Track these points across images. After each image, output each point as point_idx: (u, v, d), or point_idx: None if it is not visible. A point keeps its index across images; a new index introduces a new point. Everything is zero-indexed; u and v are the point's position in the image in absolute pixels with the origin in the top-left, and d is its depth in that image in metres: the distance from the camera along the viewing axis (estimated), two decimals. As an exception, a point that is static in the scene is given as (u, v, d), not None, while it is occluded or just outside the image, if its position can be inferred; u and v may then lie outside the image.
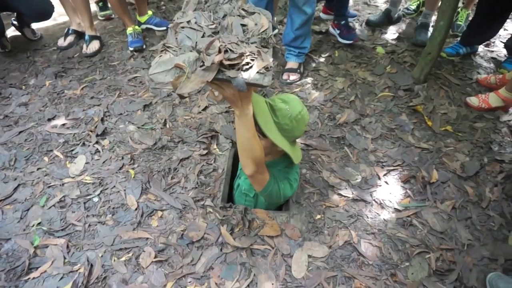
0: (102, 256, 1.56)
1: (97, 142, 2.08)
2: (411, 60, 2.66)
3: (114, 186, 1.84)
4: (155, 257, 1.55)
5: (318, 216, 1.73)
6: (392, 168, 1.95)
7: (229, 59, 1.03)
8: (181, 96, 1.16)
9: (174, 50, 1.10)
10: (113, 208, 1.75)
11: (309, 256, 1.57)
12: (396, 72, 2.57)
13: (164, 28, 3.13)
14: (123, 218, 1.71)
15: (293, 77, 2.56)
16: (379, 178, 1.90)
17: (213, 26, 1.19)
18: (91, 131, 2.15)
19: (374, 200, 1.80)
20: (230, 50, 1.06)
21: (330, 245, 1.61)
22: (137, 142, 2.10)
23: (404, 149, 2.05)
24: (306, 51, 2.62)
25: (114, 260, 1.55)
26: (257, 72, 1.04)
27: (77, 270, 1.50)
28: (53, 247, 1.58)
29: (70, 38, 2.97)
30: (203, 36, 1.15)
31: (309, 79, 2.59)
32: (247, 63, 1.04)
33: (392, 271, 1.51)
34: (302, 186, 1.87)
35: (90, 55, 2.82)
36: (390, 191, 1.84)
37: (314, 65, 2.72)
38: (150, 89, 2.49)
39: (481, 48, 2.85)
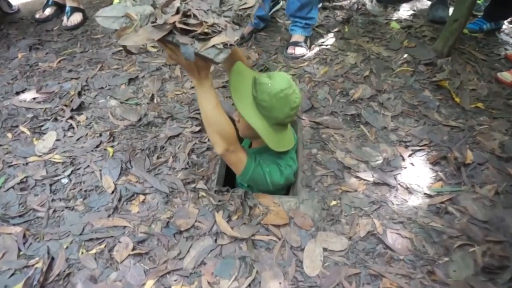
0: (67, 247, 1.26)
1: (71, 118, 1.78)
2: (431, 34, 2.37)
3: (88, 166, 1.54)
4: (133, 249, 1.25)
5: (334, 202, 1.43)
6: (417, 148, 1.66)
7: (185, 23, 0.97)
8: (127, 51, 1.04)
9: (134, 0, 1.05)
10: (85, 191, 1.44)
11: (325, 249, 1.27)
12: (415, 47, 2.28)
13: None
14: (96, 202, 1.40)
15: (299, 51, 2.27)
16: (403, 160, 1.61)
17: None
18: (65, 105, 1.84)
19: (399, 184, 1.50)
20: (194, 15, 1.00)
21: (350, 236, 1.31)
22: (118, 118, 1.80)
23: (430, 127, 1.75)
24: (313, 22, 2.33)
25: (82, 253, 1.24)
26: (213, 46, 0.96)
27: (33, 265, 1.20)
28: (6, 237, 1.27)
29: (50, 10, 2.67)
30: None
31: (316, 54, 2.29)
32: (206, 33, 0.98)
33: (428, 268, 1.21)
34: (313, 168, 1.57)
35: (71, 28, 2.52)
36: (417, 174, 1.54)
37: (321, 40, 2.43)
38: (137, 63, 2.19)
39: (505, 26, 2.56)
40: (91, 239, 1.28)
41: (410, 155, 1.63)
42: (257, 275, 1.19)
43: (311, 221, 1.36)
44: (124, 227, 1.33)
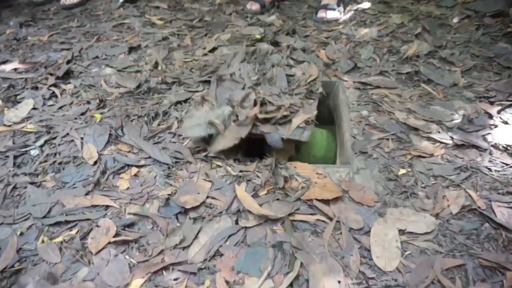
0: (21, 234, 0.87)
1: (55, 85, 1.43)
2: (492, -12, 1.95)
3: (68, 134, 1.17)
4: (116, 235, 0.85)
5: (403, 171, 1.00)
6: (507, 103, 1.22)
7: (265, 112, 0.99)
8: (221, 152, 1.01)
9: (212, 104, 1.06)
10: (60, 163, 1.07)
11: (402, 232, 0.84)
12: (474, 1, 1.86)
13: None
14: (72, 177, 1.02)
15: (331, 14, 1.89)
16: (491, 117, 1.17)
17: (255, 78, 1.16)
18: (50, 74, 1.50)
19: (492, 145, 1.06)
20: (269, 102, 1.03)
21: (436, 213, 0.87)
22: (113, 86, 1.44)
23: (519, 79, 1.32)
24: (347, -18, 1.96)
25: (42, 241, 0.85)
26: (297, 127, 0.99)
27: (-31, 258, 0.80)
28: None
29: (49, -7, 2.39)
30: (243, 88, 1.11)
31: (352, 17, 1.91)
32: (285, 116, 1.00)
33: None
34: (366, 131, 1.16)
35: (69, 7, 2.22)
36: (515, 132, 1.10)
37: (356, 5, 2.04)
38: (140, 34, 1.85)
39: None
40: (58, 223, 0.89)
41: (499, 112, 1.19)
42: (302, 270, 0.76)
43: (375, 195, 0.93)
44: (107, 207, 0.93)
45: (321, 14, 1.91)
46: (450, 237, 0.83)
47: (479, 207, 0.88)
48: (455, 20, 1.75)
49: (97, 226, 0.87)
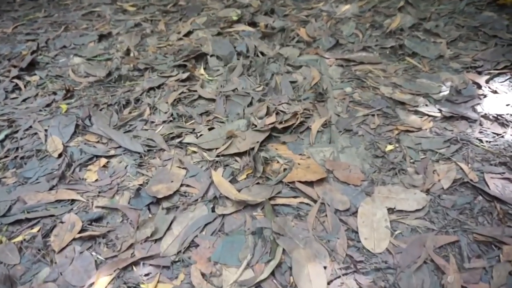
0: (-23, 236, 0.78)
1: (18, 77, 1.34)
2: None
3: (31, 127, 1.08)
4: (82, 230, 0.77)
5: (390, 147, 0.94)
6: (496, 72, 1.17)
7: (284, 122, 0.99)
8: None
9: (222, 122, 1.05)
10: (22, 158, 0.98)
11: (391, 211, 0.78)
12: (457, -28, 1.80)
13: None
14: (35, 171, 0.94)
15: (311, -9, 1.81)
16: (480, 87, 1.11)
17: (260, 89, 1.16)
18: (13, 66, 1.40)
19: (482, 116, 1.01)
20: (281, 111, 1.03)
21: (427, 189, 0.82)
22: (81, 75, 1.35)
23: (506, 48, 1.27)
24: (326, -42, 1.88)
25: (0, 242, 0.77)
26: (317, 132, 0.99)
27: None
28: None
29: (14, -16, 2.26)
30: (251, 102, 1.11)
31: (333, -6, 1.83)
32: (301, 123, 1.00)
33: None
34: (350, 108, 1.09)
35: (37, -3, 2.10)
36: (505, 101, 1.05)
37: (337, -18, 1.97)
38: (111, 22, 1.75)
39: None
40: (18, 221, 0.82)
41: (487, 81, 1.13)
42: (284, 257, 0.70)
43: (361, 173, 0.87)
44: (73, 201, 0.86)
45: (300, -8, 1.83)
46: (442, 213, 0.77)
47: (471, 180, 0.83)
48: (438, -8, 1.69)
49: (61, 222, 0.80)
